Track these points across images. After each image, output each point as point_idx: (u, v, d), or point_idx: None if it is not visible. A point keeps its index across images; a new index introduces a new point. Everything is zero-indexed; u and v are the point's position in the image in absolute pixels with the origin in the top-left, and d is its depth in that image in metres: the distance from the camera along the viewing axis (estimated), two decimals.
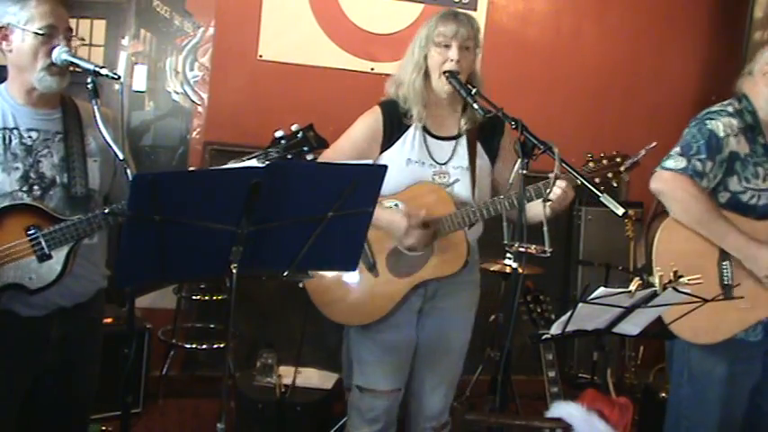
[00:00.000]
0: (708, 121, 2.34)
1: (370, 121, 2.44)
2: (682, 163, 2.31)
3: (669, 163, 2.33)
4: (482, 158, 2.50)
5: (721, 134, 2.31)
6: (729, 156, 2.32)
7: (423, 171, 2.42)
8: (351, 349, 2.56)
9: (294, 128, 2.02)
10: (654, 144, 2.24)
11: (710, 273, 2.29)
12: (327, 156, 2.33)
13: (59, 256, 1.93)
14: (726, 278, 2.30)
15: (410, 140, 2.43)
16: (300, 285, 2.55)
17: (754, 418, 2.43)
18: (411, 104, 2.40)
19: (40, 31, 1.94)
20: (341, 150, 2.40)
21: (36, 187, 1.99)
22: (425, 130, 2.44)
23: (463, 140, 2.47)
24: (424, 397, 2.57)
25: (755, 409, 2.42)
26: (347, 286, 2.47)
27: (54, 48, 1.96)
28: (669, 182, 2.31)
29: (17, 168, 1.97)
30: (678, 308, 2.08)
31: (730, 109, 2.38)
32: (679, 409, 2.45)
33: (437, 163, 2.44)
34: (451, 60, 2.33)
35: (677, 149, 2.35)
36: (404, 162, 2.41)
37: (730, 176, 2.33)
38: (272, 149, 1.99)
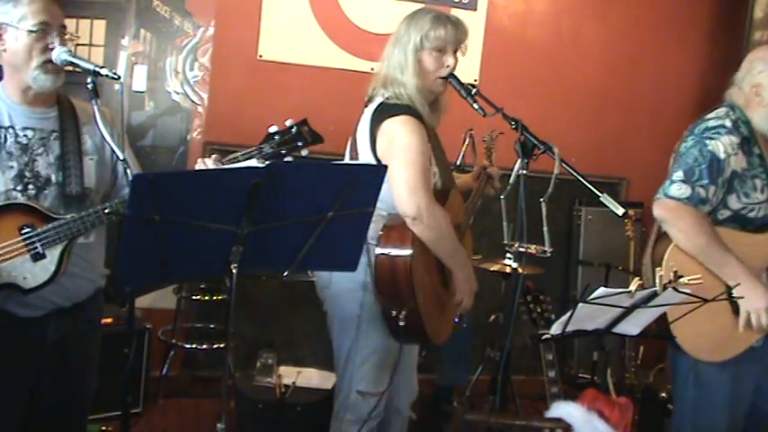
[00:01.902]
0: (708, 141, 2.30)
1: (421, 131, 2.30)
2: (686, 191, 2.26)
3: (673, 190, 2.28)
4: None
5: (722, 156, 2.27)
6: (730, 175, 2.30)
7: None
8: (359, 357, 2.43)
9: (288, 123, 2.00)
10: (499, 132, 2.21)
11: (720, 291, 2.26)
12: (415, 178, 2.21)
13: (53, 255, 1.92)
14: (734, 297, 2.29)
15: None
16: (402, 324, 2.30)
17: (752, 418, 2.43)
18: (419, 108, 2.33)
19: (33, 29, 1.94)
20: (424, 167, 2.25)
21: (31, 186, 1.98)
22: None
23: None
24: (400, 392, 2.59)
25: (753, 410, 2.42)
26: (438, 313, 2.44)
27: (48, 45, 1.95)
28: (673, 211, 2.27)
29: (12, 167, 1.97)
30: (681, 307, 2.08)
31: (728, 123, 2.32)
32: (685, 412, 2.42)
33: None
34: (448, 66, 2.33)
35: (680, 174, 2.29)
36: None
37: (730, 195, 2.31)
38: (266, 145, 1.98)
